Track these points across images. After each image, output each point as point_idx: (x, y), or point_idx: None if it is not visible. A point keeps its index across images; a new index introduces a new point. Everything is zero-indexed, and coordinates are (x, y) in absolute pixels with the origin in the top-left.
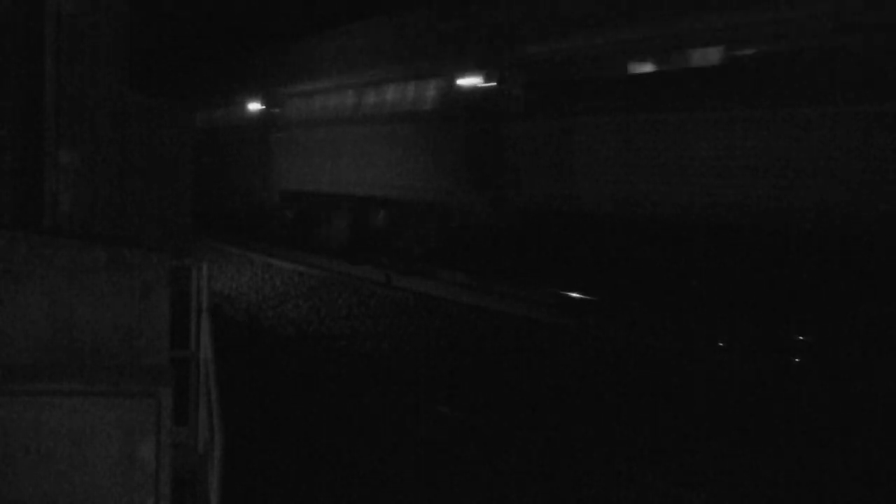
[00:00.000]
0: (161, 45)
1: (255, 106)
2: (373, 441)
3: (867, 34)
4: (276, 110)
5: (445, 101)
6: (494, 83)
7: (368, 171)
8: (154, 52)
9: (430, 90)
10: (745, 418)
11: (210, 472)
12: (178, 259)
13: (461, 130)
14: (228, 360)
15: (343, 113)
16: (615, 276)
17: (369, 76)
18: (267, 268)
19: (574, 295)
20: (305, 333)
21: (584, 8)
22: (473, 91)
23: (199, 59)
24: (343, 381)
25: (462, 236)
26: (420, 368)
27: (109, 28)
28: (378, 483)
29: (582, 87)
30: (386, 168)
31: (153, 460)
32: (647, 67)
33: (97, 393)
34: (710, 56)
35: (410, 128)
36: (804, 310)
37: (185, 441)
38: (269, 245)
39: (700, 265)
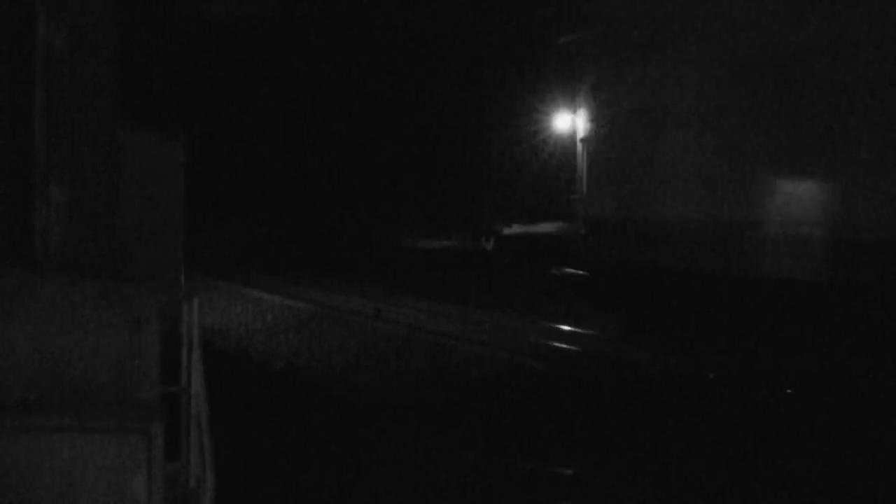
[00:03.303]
0: (153, 76)
1: None
2: (364, 475)
3: None
4: None
5: None
6: None
7: None
8: (146, 84)
9: None
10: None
11: None
12: (168, 294)
13: None
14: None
15: None
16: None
17: None
18: None
19: None
20: None
21: None
22: None
23: (192, 91)
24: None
25: None
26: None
27: (100, 62)
28: None
29: None
30: None
31: (145, 495)
32: None
33: (89, 429)
34: None
35: None
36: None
37: (176, 476)
38: None
39: None
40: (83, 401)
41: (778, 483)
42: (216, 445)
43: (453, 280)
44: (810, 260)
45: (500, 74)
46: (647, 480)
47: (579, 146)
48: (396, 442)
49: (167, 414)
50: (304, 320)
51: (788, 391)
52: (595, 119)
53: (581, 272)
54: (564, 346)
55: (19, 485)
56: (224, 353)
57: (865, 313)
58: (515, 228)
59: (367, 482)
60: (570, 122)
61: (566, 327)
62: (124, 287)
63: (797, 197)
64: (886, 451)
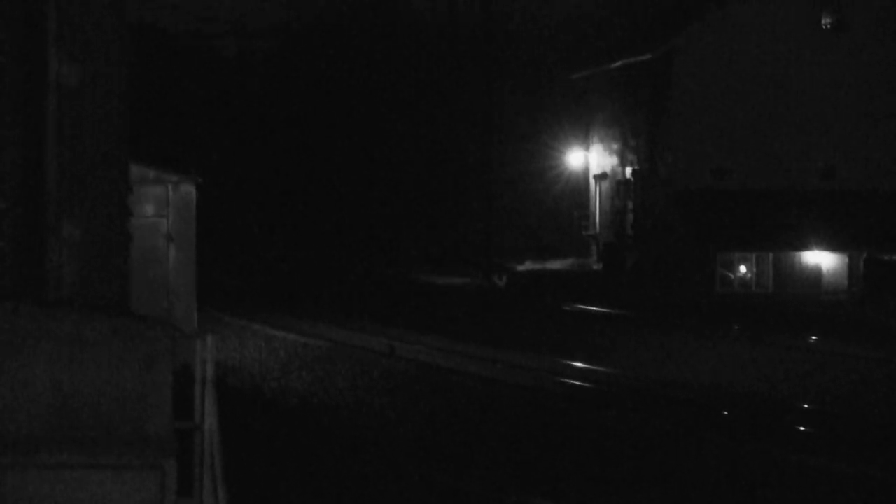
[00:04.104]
0: (163, 114)
1: None
2: None
3: None
4: None
5: None
6: None
7: None
8: (157, 122)
9: None
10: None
11: None
12: (181, 331)
13: None
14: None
15: None
16: None
17: None
18: None
19: None
20: None
21: None
22: None
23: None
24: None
25: None
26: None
27: (112, 100)
28: None
29: None
30: None
31: None
32: None
33: (102, 465)
34: None
35: None
36: None
37: None
38: None
39: None
40: (96, 437)
41: None
42: (229, 482)
43: (466, 317)
44: None
45: (513, 111)
46: None
47: (592, 182)
48: (409, 478)
49: (180, 450)
50: (317, 357)
51: None
52: None
53: (594, 308)
54: (578, 383)
55: None
56: (237, 390)
57: None
58: (528, 264)
59: None
60: (582, 158)
61: (579, 364)
62: (137, 324)
63: None
64: None
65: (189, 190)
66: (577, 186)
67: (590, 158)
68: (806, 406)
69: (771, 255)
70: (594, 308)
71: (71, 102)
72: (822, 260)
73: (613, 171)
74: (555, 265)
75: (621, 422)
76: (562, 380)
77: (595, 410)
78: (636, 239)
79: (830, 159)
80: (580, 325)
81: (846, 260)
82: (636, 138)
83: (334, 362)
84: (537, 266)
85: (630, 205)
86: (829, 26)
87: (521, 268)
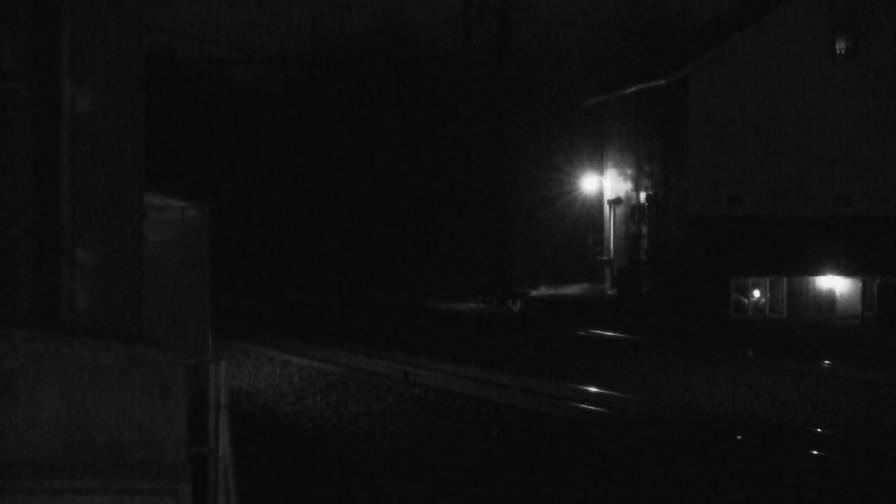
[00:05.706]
0: (178, 139)
1: None
2: None
3: None
4: None
5: None
6: None
7: None
8: (172, 147)
9: None
10: None
11: None
12: (195, 357)
13: None
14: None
15: None
16: None
17: None
18: None
19: None
20: None
21: None
22: None
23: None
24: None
25: None
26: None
27: (126, 125)
28: None
29: None
30: None
31: None
32: None
33: (117, 490)
34: None
35: None
36: None
37: None
38: None
39: None
40: (110, 462)
41: None
42: None
43: (480, 342)
44: None
45: (527, 136)
46: None
47: (606, 207)
48: None
49: (194, 475)
50: (331, 383)
51: None
52: None
53: (609, 333)
54: (592, 408)
55: None
56: (251, 415)
57: None
58: (542, 290)
59: None
60: (596, 183)
61: (593, 389)
62: (152, 351)
63: None
64: None
65: (203, 215)
66: (592, 211)
67: (604, 183)
68: (819, 431)
69: (785, 281)
70: (608, 333)
71: (85, 128)
72: (835, 285)
73: (628, 196)
74: (569, 290)
75: (635, 447)
76: (575, 405)
77: (609, 436)
78: (651, 264)
79: (845, 185)
80: (594, 351)
81: (860, 285)
82: (651, 164)
83: (348, 388)
84: (552, 291)
85: (644, 230)
86: (843, 52)
87: (535, 293)
